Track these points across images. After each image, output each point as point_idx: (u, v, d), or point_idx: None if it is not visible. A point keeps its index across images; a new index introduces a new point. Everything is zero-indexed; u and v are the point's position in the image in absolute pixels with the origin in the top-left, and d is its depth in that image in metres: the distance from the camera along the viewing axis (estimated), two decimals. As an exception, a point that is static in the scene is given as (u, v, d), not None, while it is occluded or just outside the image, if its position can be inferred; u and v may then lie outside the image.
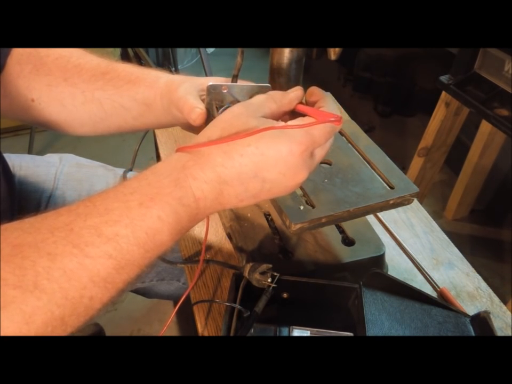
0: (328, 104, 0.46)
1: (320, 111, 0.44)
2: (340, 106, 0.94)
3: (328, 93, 0.50)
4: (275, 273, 0.52)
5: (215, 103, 0.50)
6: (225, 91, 0.50)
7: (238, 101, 0.51)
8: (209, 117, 0.51)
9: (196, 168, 0.39)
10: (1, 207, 0.63)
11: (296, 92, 0.48)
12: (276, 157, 0.39)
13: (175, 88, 0.52)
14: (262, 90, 0.51)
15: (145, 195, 0.37)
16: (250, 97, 0.50)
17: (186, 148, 0.41)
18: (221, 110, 0.50)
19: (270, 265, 0.52)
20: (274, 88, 0.56)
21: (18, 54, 0.59)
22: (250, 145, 0.39)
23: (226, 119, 0.43)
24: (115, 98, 0.56)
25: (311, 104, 0.48)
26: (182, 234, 0.41)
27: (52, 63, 0.58)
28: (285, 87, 0.63)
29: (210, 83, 0.50)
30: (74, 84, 0.57)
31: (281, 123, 0.42)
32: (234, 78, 0.52)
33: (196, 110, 0.49)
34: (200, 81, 0.53)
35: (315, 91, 0.48)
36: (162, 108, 0.54)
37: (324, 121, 0.41)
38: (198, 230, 0.71)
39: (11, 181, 0.67)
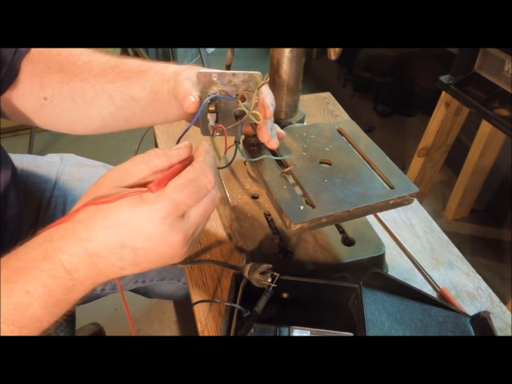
0: (201, 159, 0.42)
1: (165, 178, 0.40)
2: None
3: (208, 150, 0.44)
4: (275, 273, 0.52)
5: (207, 93, 0.50)
6: (215, 79, 0.50)
7: (225, 92, 0.51)
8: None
9: (62, 242, 0.38)
10: (10, 212, 0.63)
11: (177, 151, 0.43)
12: (138, 225, 0.38)
13: (180, 73, 0.53)
14: (252, 78, 0.50)
15: (11, 270, 0.37)
16: (243, 84, 0.50)
17: (54, 224, 0.40)
18: (207, 98, 0.50)
19: (270, 265, 0.52)
20: (273, 88, 0.56)
21: (30, 54, 0.59)
22: (109, 217, 0.38)
23: (90, 190, 0.41)
24: (125, 89, 0.57)
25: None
26: (63, 308, 0.39)
27: (63, 61, 0.58)
28: (285, 87, 0.64)
29: (200, 70, 0.50)
30: (85, 79, 0.57)
31: (138, 189, 0.39)
32: (226, 68, 0.52)
33: (190, 97, 0.49)
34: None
35: (199, 148, 0.44)
36: (168, 93, 0.54)
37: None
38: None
39: (19, 186, 0.68)
